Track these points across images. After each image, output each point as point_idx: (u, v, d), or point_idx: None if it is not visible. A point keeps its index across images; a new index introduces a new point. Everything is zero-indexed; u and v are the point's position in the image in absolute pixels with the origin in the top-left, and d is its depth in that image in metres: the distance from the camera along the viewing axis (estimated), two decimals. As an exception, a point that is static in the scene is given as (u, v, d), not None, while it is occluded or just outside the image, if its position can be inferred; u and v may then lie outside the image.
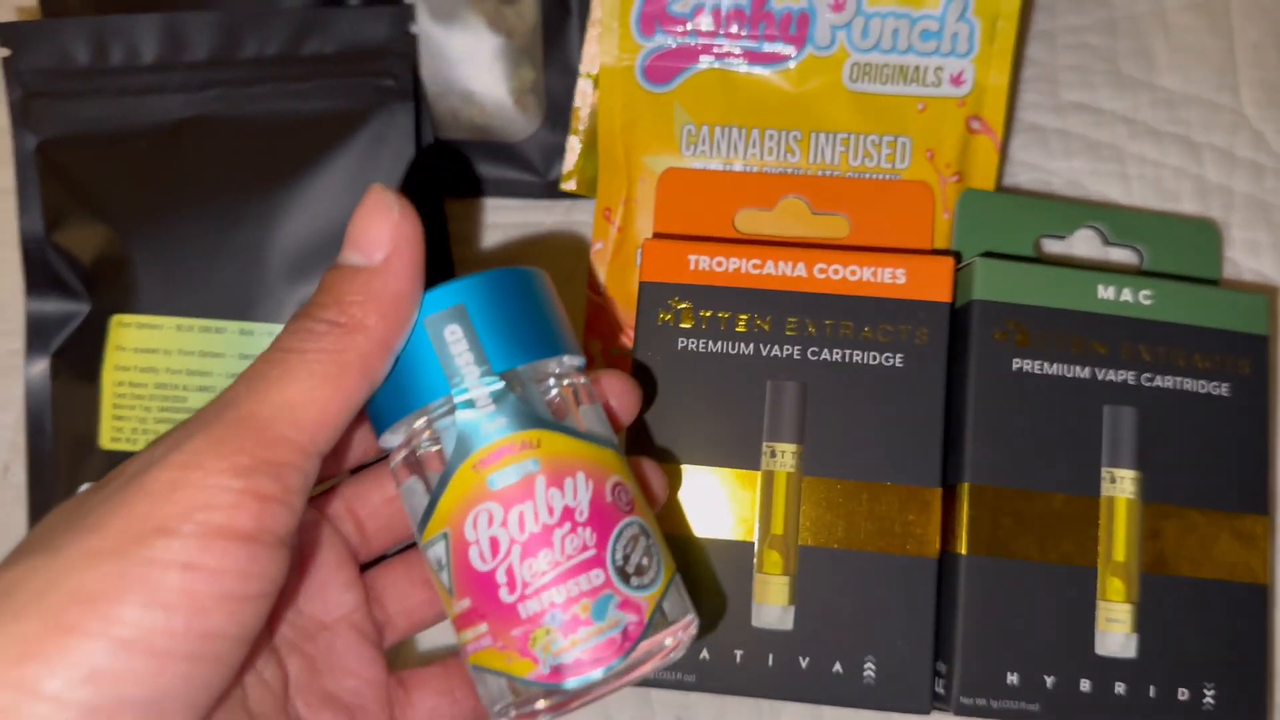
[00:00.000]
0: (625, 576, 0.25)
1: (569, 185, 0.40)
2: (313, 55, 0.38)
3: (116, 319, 0.37)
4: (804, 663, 0.33)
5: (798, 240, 0.38)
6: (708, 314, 0.34)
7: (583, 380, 0.27)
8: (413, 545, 0.31)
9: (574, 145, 0.40)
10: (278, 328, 0.36)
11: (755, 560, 0.34)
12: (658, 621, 0.25)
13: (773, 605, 0.33)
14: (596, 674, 0.24)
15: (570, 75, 0.41)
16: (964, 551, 0.33)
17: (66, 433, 0.38)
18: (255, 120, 0.37)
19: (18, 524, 0.39)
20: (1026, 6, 0.43)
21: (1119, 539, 0.33)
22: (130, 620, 0.20)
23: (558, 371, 0.27)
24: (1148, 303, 0.35)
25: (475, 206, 0.42)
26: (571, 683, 0.24)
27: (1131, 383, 0.34)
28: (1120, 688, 0.33)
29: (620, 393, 0.29)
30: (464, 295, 0.25)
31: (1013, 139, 0.42)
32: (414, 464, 0.26)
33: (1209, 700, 0.33)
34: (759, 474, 0.34)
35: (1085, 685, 0.33)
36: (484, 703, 0.26)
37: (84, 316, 0.38)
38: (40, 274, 0.38)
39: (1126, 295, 0.35)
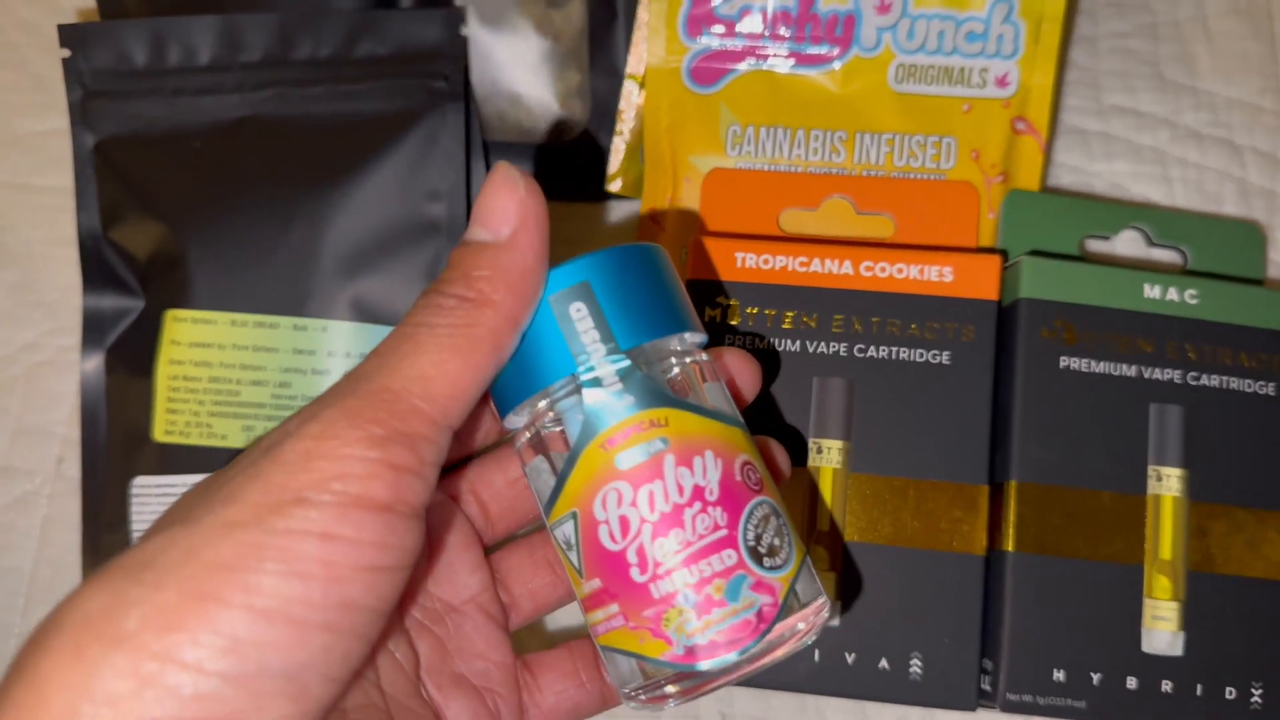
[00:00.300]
0: (758, 557, 0.24)
1: (614, 186, 0.41)
2: (366, 57, 0.38)
3: (171, 314, 0.37)
4: (850, 659, 0.33)
5: (843, 239, 0.38)
6: (754, 311, 0.35)
7: (705, 358, 0.27)
8: (536, 528, 0.31)
9: (619, 147, 0.41)
10: (330, 323, 0.37)
11: (802, 555, 0.34)
12: (791, 604, 0.25)
13: (819, 600, 0.34)
14: (732, 656, 0.24)
15: (616, 78, 0.41)
16: (1011, 549, 0.33)
17: (120, 426, 0.38)
18: (309, 120, 0.38)
19: (71, 515, 0.40)
20: (1070, 11, 0.43)
21: (1165, 537, 0.34)
22: (269, 589, 0.20)
23: (680, 349, 0.26)
24: (1193, 302, 0.35)
25: (521, 207, 0.43)
26: (706, 664, 0.24)
27: (1178, 381, 0.34)
28: (1167, 686, 0.33)
29: (742, 370, 0.29)
30: (588, 272, 0.25)
31: (1055, 141, 0.42)
32: (539, 444, 0.26)
33: (1256, 700, 0.33)
34: (805, 470, 0.34)
35: (1132, 683, 0.33)
36: (614, 683, 0.26)
37: (139, 312, 0.39)
38: (97, 270, 0.39)
39: (1173, 294, 0.35)
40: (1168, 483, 0.34)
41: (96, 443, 0.39)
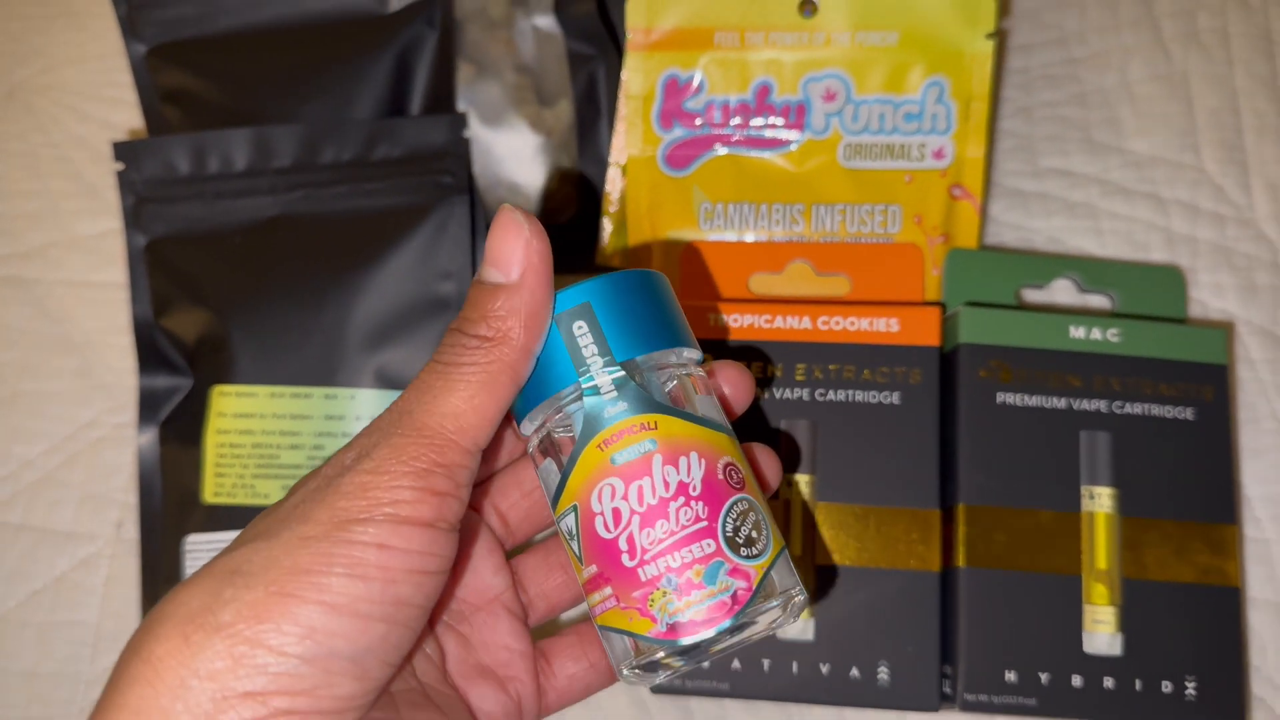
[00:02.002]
0: (735, 546, 0.27)
1: (605, 260, 0.46)
2: (382, 159, 0.44)
3: (217, 389, 0.43)
4: (825, 669, 0.37)
5: (804, 298, 0.43)
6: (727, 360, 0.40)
7: (699, 372, 0.30)
8: (551, 534, 0.34)
9: (607, 226, 0.46)
10: (358, 391, 0.42)
11: (778, 578, 0.38)
12: (767, 589, 0.27)
13: (795, 618, 0.38)
14: (708, 633, 0.26)
15: (602, 165, 0.47)
16: (963, 565, 0.37)
17: (173, 491, 0.43)
18: (334, 216, 0.43)
19: (131, 573, 0.45)
20: (1000, 86, 0.49)
21: (1100, 549, 0.38)
22: (338, 588, 0.24)
23: (675, 363, 0.29)
24: (1116, 340, 0.40)
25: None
26: (685, 640, 0.27)
27: (1105, 410, 0.39)
28: (1109, 682, 0.37)
29: (735, 381, 0.31)
30: (590, 295, 0.28)
31: (997, 202, 0.47)
32: (549, 447, 0.29)
33: (1190, 692, 0.37)
34: (777, 502, 0.38)
35: (1077, 681, 0.37)
36: (611, 659, 0.29)
37: (188, 389, 0.44)
38: (150, 354, 0.44)
39: (1096, 334, 0.40)
40: (1100, 500, 0.38)
41: (153, 507, 0.44)
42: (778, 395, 0.39)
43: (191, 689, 0.23)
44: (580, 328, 0.28)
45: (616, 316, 0.28)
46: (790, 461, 0.39)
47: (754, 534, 0.28)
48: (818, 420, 0.39)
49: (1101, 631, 0.37)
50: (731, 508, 0.27)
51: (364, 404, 0.42)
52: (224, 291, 0.43)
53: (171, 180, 0.45)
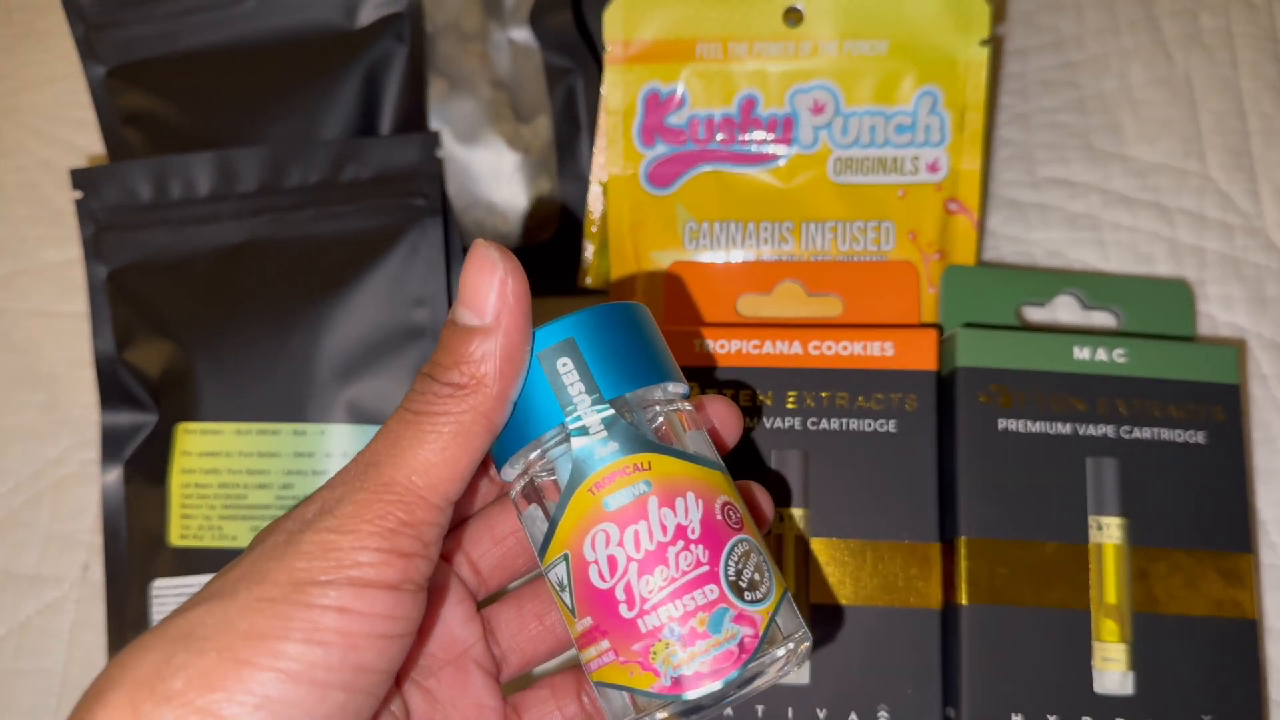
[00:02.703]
0: (739, 591, 0.26)
1: (586, 282, 0.44)
2: (351, 181, 0.42)
3: (182, 427, 0.41)
4: (821, 714, 0.36)
5: (796, 320, 0.41)
6: (713, 393, 0.38)
7: (687, 407, 0.28)
8: (524, 583, 0.32)
9: (589, 246, 0.44)
10: (329, 427, 0.40)
11: (770, 618, 0.36)
12: (772, 635, 0.26)
13: (789, 660, 0.36)
14: (715, 685, 0.25)
15: (583, 183, 0.45)
16: (965, 601, 0.36)
17: (139, 533, 0.41)
18: (302, 242, 0.41)
19: (97, 618, 0.43)
20: (995, 95, 0.47)
21: (1109, 582, 0.36)
22: (295, 655, 0.23)
23: (663, 398, 0.28)
24: (1122, 360, 0.38)
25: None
26: (692, 694, 0.25)
27: (1111, 435, 0.37)
28: (1121, 723, 0.35)
29: (724, 417, 0.30)
30: (573, 330, 0.27)
31: (994, 214, 0.45)
32: (533, 493, 0.27)
33: (1207, 732, 0.35)
34: (770, 539, 0.37)
35: (1087, 722, 0.35)
36: (608, 717, 0.27)
37: (153, 426, 0.42)
38: (113, 390, 0.43)
39: (1101, 355, 0.38)
40: (1108, 531, 0.36)
41: (118, 550, 0.42)
42: (768, 425, 0.37)
43: None
44: (565, 365, 0.26)
45: (602, 352, 0.27)
46: (782, 495, 0.37)
47: (757, 577, 0.26)
48: (810, 451, 0.37)
49: (1112, 670, 0.35)
50: (732, 550, 0.26)
51: (335, 440, 0.40)
52: (188, 323, 0.41)
53: (133, 207, 0.43)
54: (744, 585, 0.26)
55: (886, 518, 0.37)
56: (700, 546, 0.26)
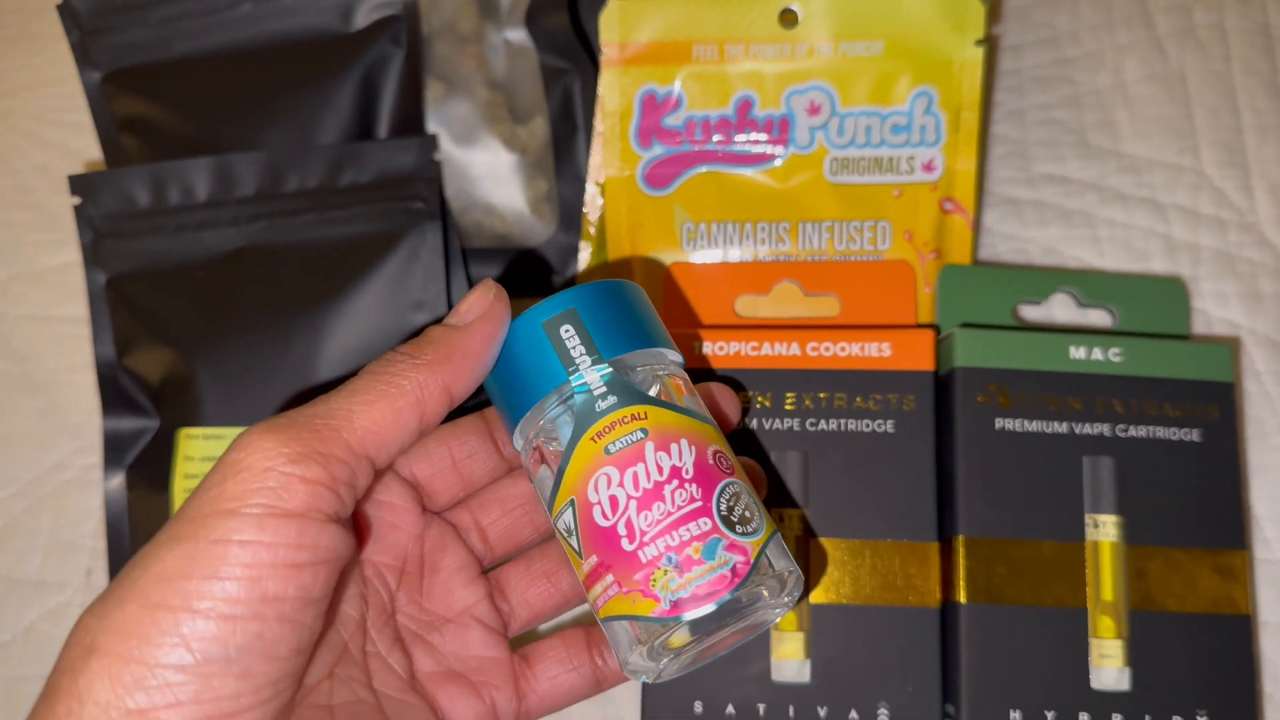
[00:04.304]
0: (731, 525, 0.28)
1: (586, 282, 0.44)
2: (349, 185, 0.42)
3: (184, 432, 0.41)
4: (822, 712, 0.36)
5: (793, 321, 0.41)
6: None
7: (682, 374, 0.31)
8: (530, 549, 0.34)
9: (586, 247, 0.44)
10: (328, 432, 0.40)
11: (771, 618, 0.37)
12: (763, 565, 0.28)
13: (790, 660, 0.36)
14: (711, 607, 0.27)
15: (580, 183, 0.45)
16: (963, 600, 0.36)
17: (142, 537, 0.42)
18: (301, 247, 0.42)
19: (102, 623, 0.43)
20: (991, 93, 0.47)
21: (1106, 580, 0.36)
22: (202, 592, 0.24)
23: (658, 364, 0.30)
24: (1117, 359, 0.38)
25: (500, 307, 0.46)
26: (690, 615, 0.27)
27: (1107, 434, 0.37)
28: (1117, 719, 0.35)
29: (727, 400, 0.33)
30: (574, 301, 0.29)
31: (990, 212, 0.46)
32: (543, 457, 0.29)
33: (1203, 727, 0.35)
34: (769, 539, 0.37)
35: (1084, 718, 0.35)
36: (616, 654, 0.29)
37: (154, 431, 0.42)
38: (114, 396, 0.43)
39: (1097, 354, 0.38)
40: (1104, 529, 0.37)
41: (121, 555, 0.42)
42: (766, 426, 0.38)
43: (79, 717, 0.23)
44: (567, 330, 0.29)
45: (601, 319, 0.29)
46: (781, 495, 0.37)
47: (747, 514, 0.28)
48: (809, 451, 0.37)
49: (1109, 666, 0.36)
50: (724, 490, 0.28)
51: (336, 444, 0.40)
52: (188, 328, 0.41)
53: (131, 214, 0.43)
54: (735, 520, 0.28)
55: (885, 517, 0.37)
56: (694, 485, 0.28)
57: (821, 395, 0.38)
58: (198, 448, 0.41)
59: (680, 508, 0.27)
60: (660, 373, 0.30)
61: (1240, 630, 0.36)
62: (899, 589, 0.36)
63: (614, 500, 0.28)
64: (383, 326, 0.41)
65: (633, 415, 0.28)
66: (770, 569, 0.28)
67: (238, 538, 0.24)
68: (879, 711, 0.36)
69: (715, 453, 0.29)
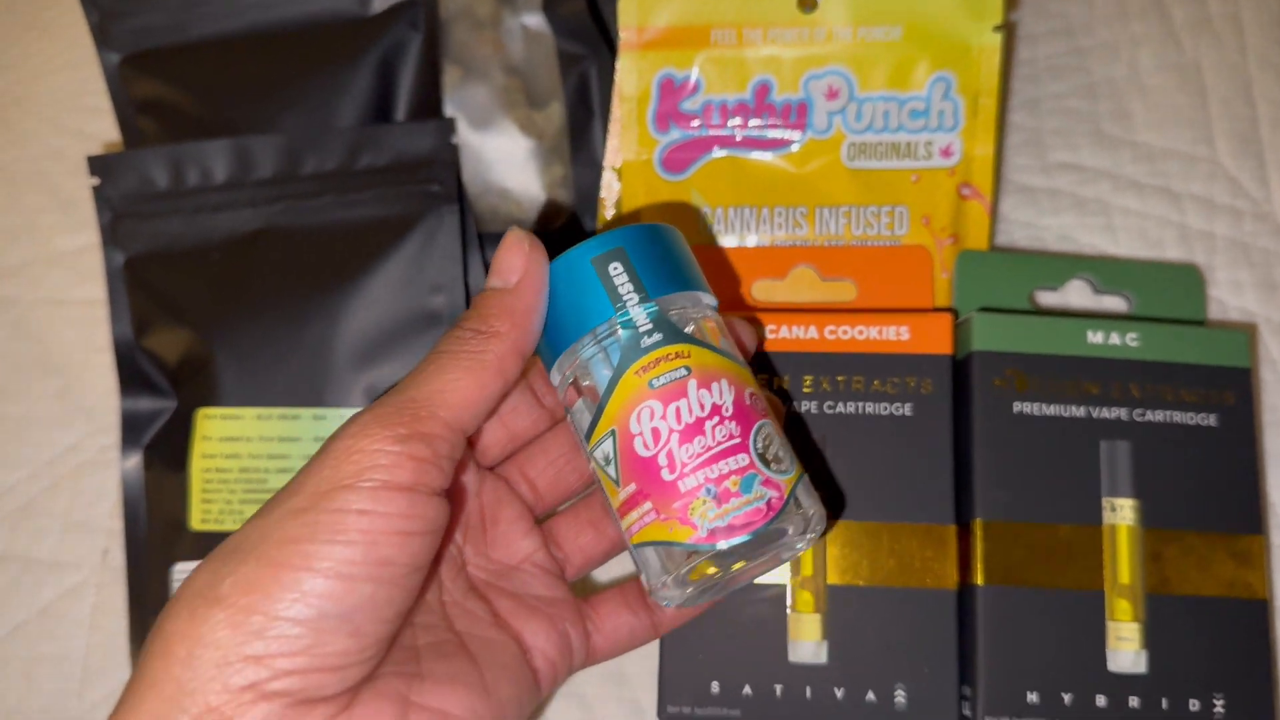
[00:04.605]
0: (765, 462, 0.29)
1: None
2: (367, 168, 0.42)
3: (202, 412, 0.41)
4: (839, 693, 0.36)
5: (809, 305, 0.41)
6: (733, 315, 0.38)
7: (716, 317, 0.32)
8: (576, 502, 0.36)
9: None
10: (348, 411, 0.40)
11: (789, 600, 0.37)
12: (793, 503, 0.29)
13: (807, 641, 0.36)
14: (746, 536, 0.28)
15: (596, 169, 0.45)
16: (981, 582, 0.36)
17: (159, 518, 0.42)
18: (318, 229, 0.42)
19: (118, 603, 0.43)
20: (1008, 80, 0.47)
21: (1123, 563, 0.36)
22: (323, 554, 0.26)
23: (694, 306, 0.31)
24: (1134, 344, 0.38)
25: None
26: (725, 543, 0.28)
27: (1125, 419, 0.37)
28: (1134, 701, 0.35)
29: (746, 331, 0.35)
30: (623, 240, 0.30)
31: (1005, 200, 0.46)
32: (581, 388, 0.30)
33: (1219, 709, 0.35)
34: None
35: (1101, 701, 0.35)
36: (646, 579, 0.30)
37: (172, 412, 0.42)
38: (132, 376, 0.43)
39: (1114, 339, 0.38)
40: (1121, 513, 0.37)
41: (138, 534, 0.42)
42: (786, 409, 0.38)
43: (199, 658, 0.25)
44: (616, 268, 0.30)
45: (648, 261, 0.30)
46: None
47: (781, 453, 0.30)
48: (826, 434, 0.38)
49: (1125, 649, 0.36)
50: (759, 429, 0.29)
51: (354, 425, 0.40)
52: (206, 309, 0.41)
53: (149, 195, 0.43)
54: (770, 458, 0.29)
55: (902, 500, 0.37)
56: (733, 423, 0.29)
57: (839, 378, 0.38)
58: (216, 427, 0.41)
59: (720, 443, 0.29)
60: (696, 315, 0.31)
61: (1257, 615, 0.36)
62: (916, 571, 0.36)
63: (656, 432, 0.29)
64: (399, 309, 0.41)
65: (677, 353, 0.29)
66: (798, 506, 0.29)
67: (356, 507, 0.26)
68: (896, 693, 0.36)
69: (751, 394, 0.30)
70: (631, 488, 0.29)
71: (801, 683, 0.36)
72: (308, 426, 0.40)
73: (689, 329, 0.30)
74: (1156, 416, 0.38)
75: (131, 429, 0.43)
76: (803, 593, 0.37)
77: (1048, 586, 0.36)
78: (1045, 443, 0.37)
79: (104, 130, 0.50)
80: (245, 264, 0.42)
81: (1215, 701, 0.35)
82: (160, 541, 0.41)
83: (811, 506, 0.30)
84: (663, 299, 0.30)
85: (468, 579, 0.33)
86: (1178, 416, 0.38)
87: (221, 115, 0.44)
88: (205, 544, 0.41)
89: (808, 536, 0.30)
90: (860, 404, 0.38)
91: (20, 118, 0.51)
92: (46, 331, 0.47)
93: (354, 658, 0.26)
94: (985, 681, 0.35)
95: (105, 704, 0.42)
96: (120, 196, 0.43)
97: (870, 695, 0.36)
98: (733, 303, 0.41)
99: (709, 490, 0.28)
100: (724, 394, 0.29)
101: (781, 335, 0.38)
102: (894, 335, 0.38)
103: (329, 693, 0.26)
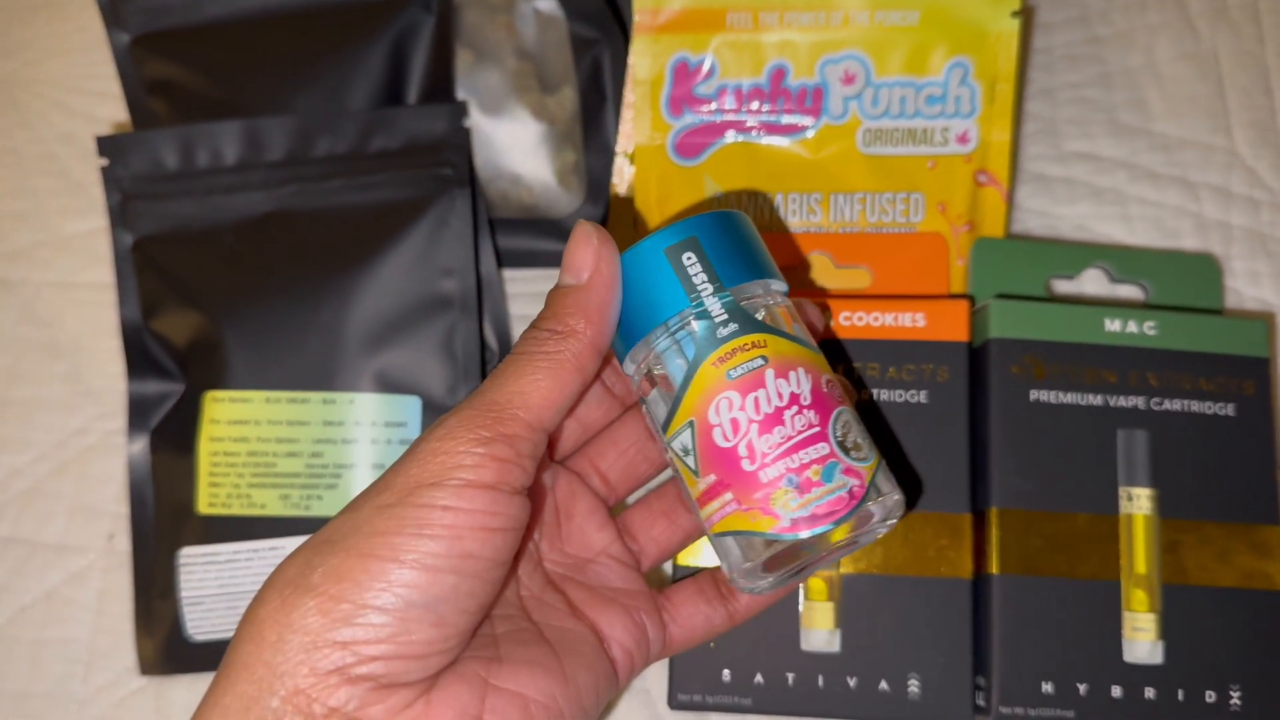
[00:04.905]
0: (845, 450, 0.29)
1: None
2: (379, 151, 0.42)
3: (210, 395, 0.41)
4: (852, 683, 0.36)
5: (824, 292, 0.41)
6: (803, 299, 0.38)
7: (787, 303, 0.32)
8: (649, 494, 0.36)
9: (613, 218, 0.44)
10: (358, 395, 0.40)
11: (802, 588, 0.36)
12: (874, 490, 0.29)
13: (820, 630, 0.36)
14: (829, 525, 0.28)
15: (608, 155, 0.45)
16: (996, 571, 0.36)
17: (166, 502, 0.41)
18: (330, 212, 0.41)
19: (123, 587, 0.43)
20: (1025, 67, 0.47)
21: (1139, 553, 0.36)
22: (410, 547, 0.27)
23: (766, 293, 0.31)
24: (1152, 333, 0.38)
25: (528, 276, 0.46)
26: (807, 533, 0.28)
27: (1142, 407, 0.37)
28: (1150, 692, 0.35)
29: (815, 313, 0.35)
30: (695, 230, 0.30)
31: (1021, 188, 0.45)
32: (655, 378, 0.30)
33: (1235, 701, 0.35)
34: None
35: (1116, 691, 0.35)
36: (726, 567, 0.30)
37: (180, 394, 0.42)
38: (139, 358, 0.43)
39: (1132, 327, 0.38)
40: (1138, 502, 0.36)
41: (145, 518, 0.42)
42: (857, 394, 0.37)
43: (289, 643, 0.26)
44: (689, 259, 0.30)
45: (720, 249, 0.30)
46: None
47: (860, 440, 0.30)
48: (841, 421, 0.37)
49: (1141, 639, 0.35)
50: (838, 417, 0.29)
51: (364, 408, 0.40)
52: (216, 292, 0.41)
53: (159, 176, 0.43)
54: (849, 446, 0.29)
55: (918, 488, 0.37)
56: (812, 411, 0.29)
57: (855, 365, 0.38)
58: (224, 410, 0.40)
59: (800, 432, 0.29)
60: (769, 302, 0.31)
61: (1275, 606, 0.36)
62: (931, 560, 0.36)
63: (735, 423, 0.29)
64: (410, 292, 0.41)
65: (753, 343, 0.29)
66: (879, 493, 0.29)
67: (441, 503, 0.27)
68: (909, 682, 0.36)
69: (828, 381, 0.30)
70: (711, 478, 0.29)
71: (814, 671, 0.36)
72: (316, 410, 0.40)
73: (762, 316, 0.30)
74: (1174, 405, 0.37)
75: (139, 412, 0.42)
76: (816, 581, 0.36)
77: (1064, 576, 0.36)
78: (1062, 431, 0.37)
79: (113, 114, 0.50)
80: (256, 246, 0.41)
81: (1232, 693, 0.35)
82: (167, 525, 0.41)
83: (892, 493, 0.30)
84: (737, 288, 0.30)
85: (545, 574, 0.33)
86: (1195, 406, 0.37)
87: (233, 97, 0.44)
88: (212, 528, 0.40)
89: (889, 522, 0.30)
90: (876, 391, 0.37)
91: (29, 100, 0.50)
92: (54, 315, 0.47)
93: (437, 646, 0.27)
94: (1000, 671, 0.35)
95: (110, 688, 0.42)
96: (130, 177, 0.43)
97: (884, 684, 0.36)
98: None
99: (791, 480, 0.28)
100: (801, 382, 0.29)
101: (796, 321, 0.38)
102: (910, 322, 0.38)
103: (411, 679, 0.27)
